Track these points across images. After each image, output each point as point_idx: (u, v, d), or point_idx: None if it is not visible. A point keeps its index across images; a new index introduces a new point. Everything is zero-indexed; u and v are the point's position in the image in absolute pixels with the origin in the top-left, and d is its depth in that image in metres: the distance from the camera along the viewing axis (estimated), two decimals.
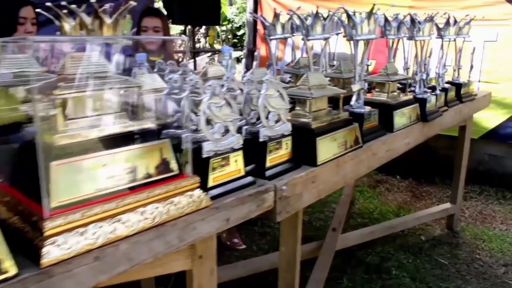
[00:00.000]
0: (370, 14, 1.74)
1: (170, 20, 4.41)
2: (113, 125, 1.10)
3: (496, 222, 3.65)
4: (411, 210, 3.86)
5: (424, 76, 2.36)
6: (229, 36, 11.08)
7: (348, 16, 1.77)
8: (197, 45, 10.15)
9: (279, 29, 2.05)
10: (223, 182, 1.26)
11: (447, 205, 3.53)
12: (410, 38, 2.26)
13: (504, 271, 2.96)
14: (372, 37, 1.80)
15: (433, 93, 2.47)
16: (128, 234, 1.02)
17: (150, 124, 1.15)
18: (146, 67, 2.19)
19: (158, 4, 6.18)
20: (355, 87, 1.83)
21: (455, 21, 2.74)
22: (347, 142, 1.65)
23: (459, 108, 2.77)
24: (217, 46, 10.53)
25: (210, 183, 1.24)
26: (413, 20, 2.23)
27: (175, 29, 8.40)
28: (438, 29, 2.63)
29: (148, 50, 3.28)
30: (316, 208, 3.97)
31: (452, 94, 2.73)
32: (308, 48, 1.92)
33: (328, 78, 1.99)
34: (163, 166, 1.13)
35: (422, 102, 2.26)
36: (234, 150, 1.29)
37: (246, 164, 1.43)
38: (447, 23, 2.60)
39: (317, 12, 1.82)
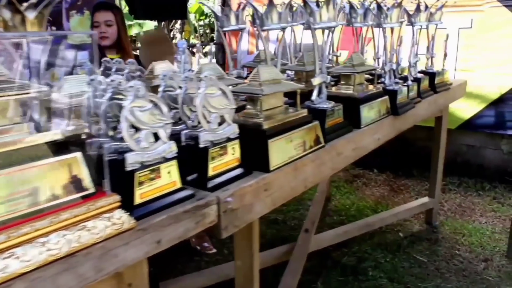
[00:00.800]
0: (327, 0, 1.56)
1: (133, 16, 4.19)
2: (7, 139, 0.91)
3: (475, 214, 3.54)
4: (389, 205, 3.73)
5: (394, 66, 2.20)
6: (207, 31, 10.81)
7: (305, 2, 1.59)
8: (174, 41, 9.85)
9: (233, 19, 1.86)
10: (153, 198, 1.08)
11: (425, 199, 3.40)
12: (378, 25, 2.10)
13: (484, 266, 2.84)
14: (332, 25, 1.62)
15: (405, 84, 2.32)
16: (24, 271, 0.84)
17: (55, 136, 0.96)
18: (88, 67, 1.99)
19: None
20: (316, 81, 1.66)
21: (426, 7, 2.59)
22: (306, 143, 1.48)
23: (433, 98, 2.63)
24: (194, 41, 10.25)
25: (137, 200, 1.05)
26: (379, 7, 2.06)
27: (149, 25, 8.12)
28: (408, 15, 2.48)
29: (102, 46, 3.07)
30: (291, 206, 3.82)
31: (425, 84, 2.58)
32: (263, 39, 1.74)
33: (290, 72, 1.82)
34: (73, 184, 0.94)
35: (392, 94, 2.10)
36: (166, 159, 1.11)
37: (188, 174, 1.25)
38: (418, 9, 2.45)
39: (270, 1, 1.64)
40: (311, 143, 1.51)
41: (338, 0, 1.63)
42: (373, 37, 2.35)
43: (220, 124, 1.26)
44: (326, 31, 1.73)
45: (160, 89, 1.31)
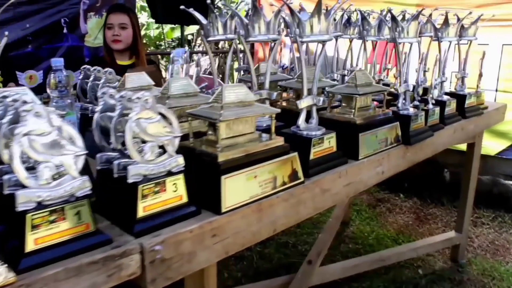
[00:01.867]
0: (318, 8, 1.31)
1: (154, 20, 4.06)
2: None
3: (510, 255, 3.14)
4: (412, 236, 3.38)
5: (411, 87, 1.91)
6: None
7: (291, 12, 1.35)
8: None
9: (220, 29, 1.65)
10: (53, 245, 0.88)
11: (452, 233, 3.04)
12: (392, 40, 1.82)
13: None
14: (324, 39, 1.37)
15: (425, 108, 2.02)
16: None
17: None
18: (62, 75, 1.84)
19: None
20: (302, 103, 1.41)
21: (458, 20, 2.28)
22: (277, 179, 1.24)
23: (461, 125, 2.30)
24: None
25: (30, 246, 0.85)
26: (394, 18, 1.78)
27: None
28: (435, 29, 2.18)
29: (113, 50, 2.94)
30: (305, 229, 3.55)
31: (451, 108, 2.26)
32: (247, 51, 1.51)
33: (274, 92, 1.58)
34: None
35: (405, 120, 1.81)
36: (77, 198, 0.91)
37: (115, 214, 1.05)
38: (446, 23, 2.14)
39: (255, 7, 1.42)
40: (285, 178, 1.26)
41: (332, 10, 1.38)
42: (397, 52, 2.07)
43: (159, 155, 1.05)
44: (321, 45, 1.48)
45: (98, 108, 1.11)
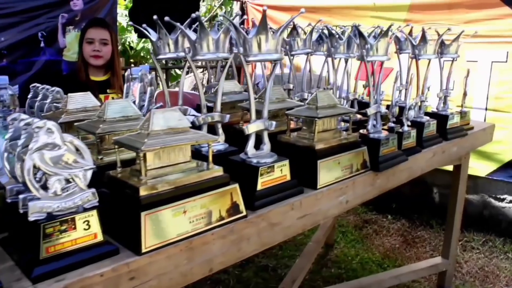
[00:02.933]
0: (263, 26, 1.20)
1: (136, 34, 3.98)
2: None
3: (500, 282, 2.98)
4: (398, 260, 3.24)
5: (382, 109, 1.79)
6: None
7: (236, 29, 1.24)
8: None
9: (171, 46, 1.54)
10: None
11: (438, 259, 2.89)
12: (361, 58, 1.71)
13: None
14: (273, 58, 1.26)
15: (399, 130, 1.90)
16: None
17: None
18: (6, 94, 1.73)
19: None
20: (250, 128, 1.29)
21: (439, 36, 2.17)
22: (212, 214, 1.11)
23: (441, 147, 2.17)
24: None
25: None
26: (361, 35, 1.67)
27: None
28: (412, 46, 2.06)
29: (93, 66, 2.84)
30: (287, 251, 3.41)
31: (430, 129, 2.13)
32: (194, 70, 1.40)
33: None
34: None
35: (374, 144, 1.69)
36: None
37: (19, 254, 0.93)
38: (423, 39, 2.03)
39: (201, 24, 1.31)
40: (223, 213, 1.14)
41: (282, 27, 1.27)
42: (367, 70, 1.96)
43: (67, 190, 0.93)
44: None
45: (8, 136, 1.00)
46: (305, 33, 2.02)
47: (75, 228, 0.93)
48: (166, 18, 1.47)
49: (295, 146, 1.50)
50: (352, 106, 2.19)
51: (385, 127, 1.92)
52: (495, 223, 3.48)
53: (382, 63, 1.77)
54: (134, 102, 1.82)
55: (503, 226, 3.47)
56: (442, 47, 2.24)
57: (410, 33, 2.33)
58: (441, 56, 2.23)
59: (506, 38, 3.21)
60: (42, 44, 3.48)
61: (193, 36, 1.38)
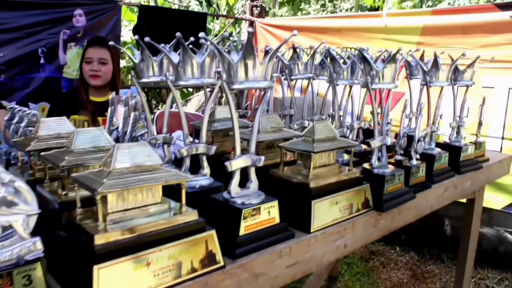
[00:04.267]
0: (249, 49, 1.05)
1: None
2: None
3: None
4: None
5: (388, 141, 1.62)
6: None
7: (219, 53, 1.10)
8: None
9: (155, 69, 1.41)
10: None
11: None
12: (365, 85, 1.56)
13: None
14: (261, 86, 1.11)
15: (408, 164, 1.74)
16: None
17: None
18: None
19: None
20: (234, 165, 1.14)
21: (452, 61, 2.01)
22: (182, 264, 0.96)
23: (453, 182, 2.00)
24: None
25: None
26: (366, 60, 1.52)
27: None
28: (423, 72, 1.91)
29: (90, 86, 2.74)
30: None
31: (442, 162, 1.96)
32: (177, 97, 1.26)
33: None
34: None
35: (378, 181, 1.52)
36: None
37: None
38: (435, 65, 1.87)
39: (183, 46, 1.18)
40: (196, 264, 0.98)
41: (275, 53, 1.12)
42: (371, 99, 1.81)
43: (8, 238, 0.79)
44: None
45: None
46: (307, 55, 1.89)
47: (12, 284, 0.78)
48: (178, 34, 1.34)
49: (287, 182, 1.34)
50: (357, 135, 2.04)
51: (392, 159, 1.76)
52: (511, 259, 3.26)
53: (389, 90, 1.62)
54: (117, 128, 1.69)
55: None
56: (456, 73, 2.08)
57: (422, 57, 2.19)
58: (455, 83, 2.08)
59: None
60: (42, 61, 3.40)
61: (176, 59, 1.25)
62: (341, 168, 1.46)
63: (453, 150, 2.07)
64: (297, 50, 1.83)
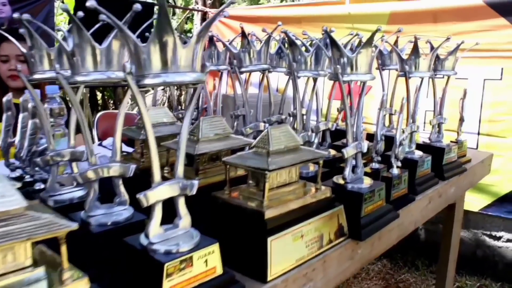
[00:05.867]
0: (162, 17, 0.69)
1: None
2: None
3: None
4: None
5: (364, 147, 1.28)
6: None
7: (121, 30, 0.72)
8: None
9: (46, 63, 1.03)
10: None
11: None
12: (334, 77, 1.21)
13: None
14: (185, 80, 0.74)
15: (387, 175, 1.41)
16: None
17: None
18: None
19: None
20: (151, 197, 0.77)
21: (432, 49, 1.72)
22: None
23: (437, 191, 1.70)
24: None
25: None
26: (335, 43, 1.18)
27: None
28: (401, 61, 1.60)
29: (13, 88, 2.30)
30: None
31: (425, 168, 1.66)
32: (72, 96, 0.88)
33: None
34: None
35: (354, 199, 1.18)
36: None
37: None
38: (415, 52, 1.56)
39: (76, 25, 0.80)
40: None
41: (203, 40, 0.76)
42: (342, 94, 1.46)
43: None
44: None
45: None
46: (261, 42, 1.54)
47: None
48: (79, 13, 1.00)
49: (235, 210, 0.98)
50: (323, 139, 1.71)
51: (367, 168, 1.43)
52: (490, 265, 3.03)
53: (364, 83, 1.28)
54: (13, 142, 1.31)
55: (499, 268, 3.01)
56: (437, 62, 1.78)
57: (396, 44, 1.87)
58: (435, 73, 1.77)
59: (500, 53, 2.79)
60: None
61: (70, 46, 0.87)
62: (305, 187, 1.10)
63: (435, 152, 1.77)
64: (248, 36, 1.48)
